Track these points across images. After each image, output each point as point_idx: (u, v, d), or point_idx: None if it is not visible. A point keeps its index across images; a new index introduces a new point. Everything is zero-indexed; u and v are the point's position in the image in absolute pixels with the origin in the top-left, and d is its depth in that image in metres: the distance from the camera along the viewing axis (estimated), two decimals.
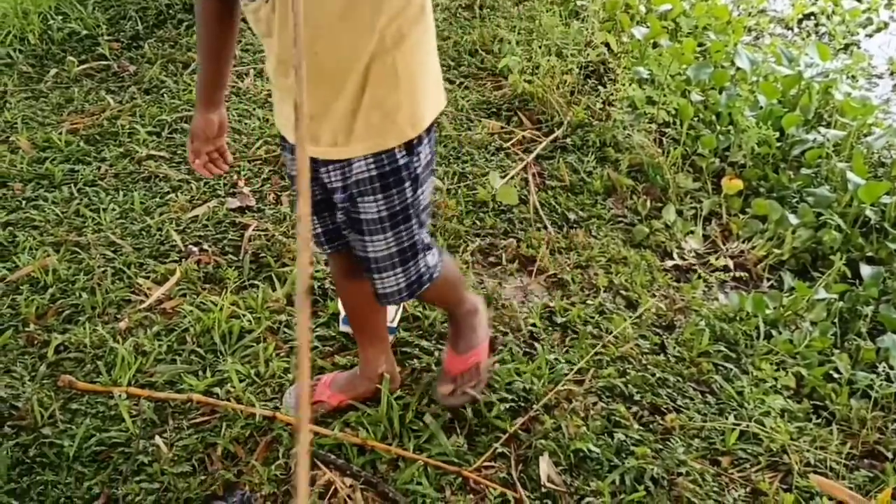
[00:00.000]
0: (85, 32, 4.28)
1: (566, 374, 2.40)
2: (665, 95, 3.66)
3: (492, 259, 2.95)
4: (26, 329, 2.48)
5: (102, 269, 2.75)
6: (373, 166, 1.73)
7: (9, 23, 4.28)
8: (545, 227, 3.13)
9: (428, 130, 1.78)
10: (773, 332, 2.67)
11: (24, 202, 3.07)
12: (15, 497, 1.97)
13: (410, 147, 1.74)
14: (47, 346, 2.42)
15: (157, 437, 2.14)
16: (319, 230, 1.95)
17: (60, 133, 3.48)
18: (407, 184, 1.76)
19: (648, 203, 3.30)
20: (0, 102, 3.78)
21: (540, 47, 4.14)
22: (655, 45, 4.30)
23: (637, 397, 2.37)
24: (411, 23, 1.64)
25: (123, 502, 1.97)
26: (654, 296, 2.84)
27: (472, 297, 2.33)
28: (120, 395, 2.22)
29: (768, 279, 3.01)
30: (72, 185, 3.19)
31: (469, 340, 2.27)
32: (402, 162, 1.73)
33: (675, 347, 2.58)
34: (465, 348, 2.27)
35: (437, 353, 2.45)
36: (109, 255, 2.82)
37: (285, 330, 2.54)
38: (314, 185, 1.82)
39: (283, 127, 1.85)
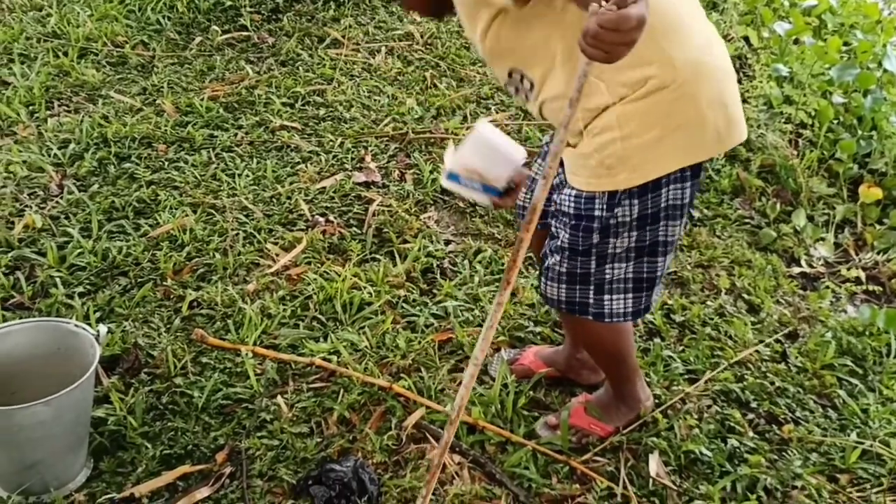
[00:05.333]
0: (229, 3, 4.45)
1: (682, 374, 2.37)
2: (805, 95, 3.52)
3: None
4: (164, 283, 2.64)
5: (235, 231, 2.88)
6: (572, 202, 1.78)
7: None
8: None
9: (646, 189, 1.72)
10: None
11: (166, 163, 3.24)
12: (147, 440, 2.10)
13: (613, 201, 1.73)
14: (182, 301, 2.56)
15: (278, 397, 2.24)
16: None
17: (202, 99, 3.65)
18: (595, 232, 1.77)
19: (778, 206, 3.20)
20: (148, 67, 3.99)
21: None
22: (797, 42, 4.13)
23: (754, 404, 2.32)
24: (654, 84, 1.63)
25: (245, 455, 2.08)
26: (777, 302, 2.76)
27: (645, 392, 2.22)
28: (246, 354, 2.33)
29: None
30: (210, 149, 3.34)
31: (604, 413, 2.17)
32: (597, 213, 1.75)
33: (797, 357, 2.50)
34: (595, 415, 2.17)
35: (553, 339, 2.47)
36: (242, 219, 2.95)
37: (404, 305, 2.60)
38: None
39: None
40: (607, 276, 1.87)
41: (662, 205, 1.75)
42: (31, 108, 3.56)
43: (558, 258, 1.86)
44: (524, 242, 1.49)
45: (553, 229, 1.87)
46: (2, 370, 2.00)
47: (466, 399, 1.63)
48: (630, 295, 1.90)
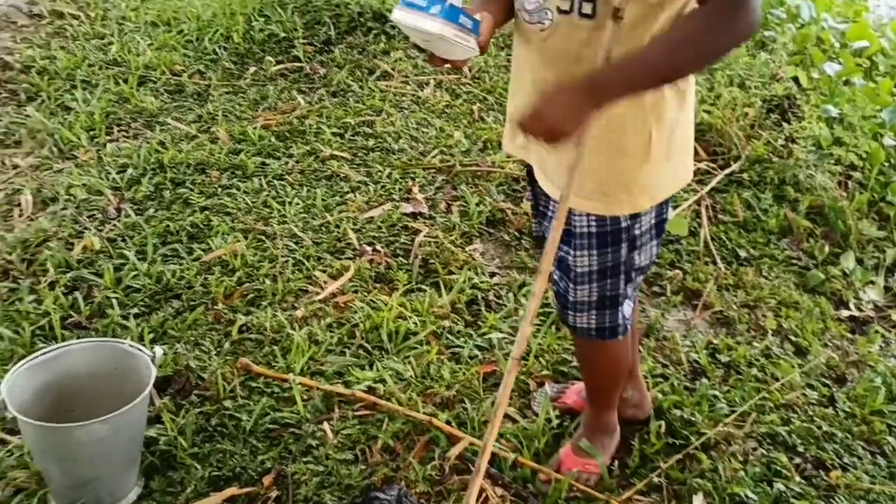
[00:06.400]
0: (283, 35, 4.57)
1: (727, 415, 2.35)
2: (855, 137, 3.50)
3: (655, 289, 2.93)
4: (215, 307, 2.69)
5: (285, 258, 2.94)
6: (594, 225, 1.77)
7: (217, 22, 4.63)
8: (714, 262, 3.07)
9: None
10: None
11: (219, 189, 3.32)
12: (197, 460, 2.15)
13: (637, 213, 1.76)
14: (232, 325, 2.61)
15: (324, 423, 2.28)
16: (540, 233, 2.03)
17: (255, 127, 3.74)
18: (623, 245, 1.79)
19: (826, 248, 3.18)
20: (204, 95, 4.10)
21: (723, 77, 4.05)
22: (847, 83, 4.11)
23: (800, 448, 2.29)
24: (671, 97, 1.66)
25: (291, 480, 2.11)
26: (825, 345, 2.73)
27: (617, 422, 2.22)
28: (294, 381, 2.36)
29: None
30: (262, 177, 3.42)
31: (593, 449, 2.16)
32: (623, 225, 1.76)
33: (845, 402, 2.47)
34: (585, 454, 2.15)
35: None
36: (291, 246, 3.01)
37: (448, 335, 2.63)
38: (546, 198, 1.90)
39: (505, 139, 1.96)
40: (629, 293, 1.89)
41: (665, 214, 1.80)
42: (91, 133, 3.68)
43: (587, 288, 1.84)
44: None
45: (570, 259, 1.82)
46: (60, 388, 2.06)
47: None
48: (630, 290, 1.93)
